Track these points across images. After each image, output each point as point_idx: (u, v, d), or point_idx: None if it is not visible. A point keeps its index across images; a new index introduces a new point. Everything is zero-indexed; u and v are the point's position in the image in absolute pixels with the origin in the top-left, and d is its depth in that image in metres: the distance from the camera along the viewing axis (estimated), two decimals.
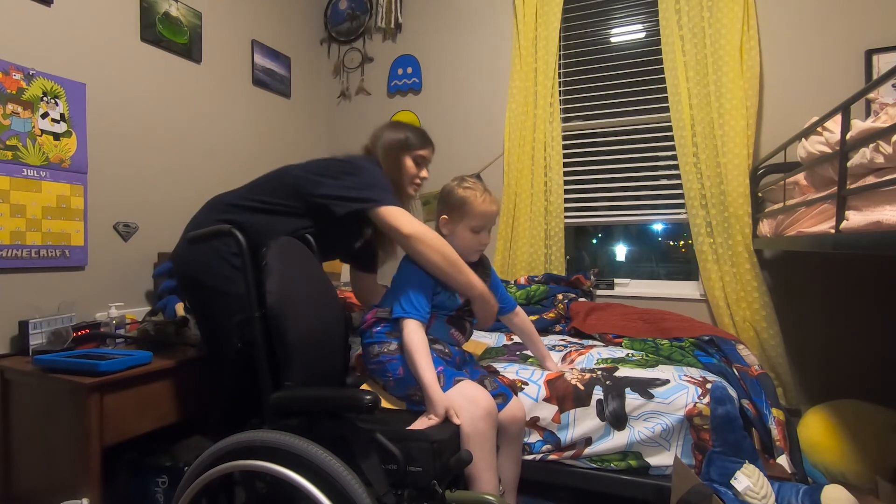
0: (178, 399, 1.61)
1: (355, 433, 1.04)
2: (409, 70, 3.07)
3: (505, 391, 1.44)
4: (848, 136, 1.28)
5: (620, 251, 3.06)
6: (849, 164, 1.29)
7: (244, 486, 1.06)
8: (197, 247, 1.41)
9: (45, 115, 1.76)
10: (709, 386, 1.45)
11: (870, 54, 2.15)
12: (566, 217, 2.67)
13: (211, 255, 1.42)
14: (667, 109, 2.46)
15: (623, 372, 1.58)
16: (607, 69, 2.70)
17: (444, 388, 1.29)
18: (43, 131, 1.76)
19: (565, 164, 2.69)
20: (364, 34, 3.20)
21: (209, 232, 1.27)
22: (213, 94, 2.48)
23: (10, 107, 1.67)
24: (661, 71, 2.48)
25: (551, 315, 2.27)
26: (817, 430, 1.76)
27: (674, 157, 2.47)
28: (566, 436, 1.49)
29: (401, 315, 1.36)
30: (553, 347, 1.93)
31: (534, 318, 2.13)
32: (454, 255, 1.39)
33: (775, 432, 1.46)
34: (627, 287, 2.67)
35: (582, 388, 1.51)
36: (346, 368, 1.57)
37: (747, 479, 1.29)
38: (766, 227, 2.06)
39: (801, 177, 1.73)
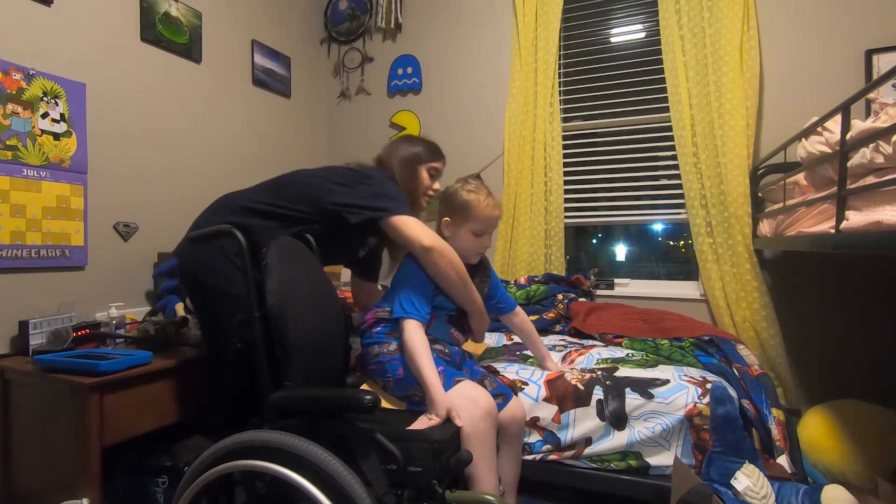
0: (178, 399, 1.61)
1: (355, 433, 1.04)
2: (409, 70, 3.07)
3: (505, 391, 1.44)
4: (848, 136, 1.28)
5: (620, 251, 3.06)
6: (849, 164, 1.29)
7: (244, 486, 1.06)
8: (199, 246, 1.41)
9: (45, 115, 1.76)
10: (709, 386, 1.45)
11: (870, 54, 2.15)
12: (566, 217, 2.67)
13: (212, 255, 1.42)
14: (667, 109, 2.46)
15: (623, 372, 1.58)
16: (607, 69, 2.70)
17: (444, 388, 1.29)
18: (43, 131, 1.76)
19: (565, 164, 2.69)
20: (364, 34, 3.20)
21: (209, 232, 1.27)
22: (213, 94, 2.48)
23: (10, 107, 1.67)
24: (661, 71, 2.48)
25: (551, 315, 2.27)
26: (817, 430, 1.76)
27: (674, 157, 2.47)
28: (566, 436, 1.49)
29: (401, 315, 1.36)
30: (553, 347, 1.93)
31: (534, 318, 2.13)
32: (464, 270, 1.42)
33: (775, 432, 1.46)
34: (627, 287, 2.67)
35: (582, 388, 1.51)
36: (347, 368, 1.57)
37: (747, 479, 1.29)
38: (766, 227, 2.06)
39: (801, 177, 1.73)
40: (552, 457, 1.50)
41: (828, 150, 1.47)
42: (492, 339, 2.10)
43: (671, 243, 2.91)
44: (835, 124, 1.46)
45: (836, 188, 1.31)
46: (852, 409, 1.80)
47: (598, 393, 1.49)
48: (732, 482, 1.30)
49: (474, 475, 1.26)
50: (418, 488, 1.07)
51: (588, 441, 1.48)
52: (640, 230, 2.97)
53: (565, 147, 2.72)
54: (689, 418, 1.41)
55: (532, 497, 1.62)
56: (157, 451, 1.64)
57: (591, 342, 2.04)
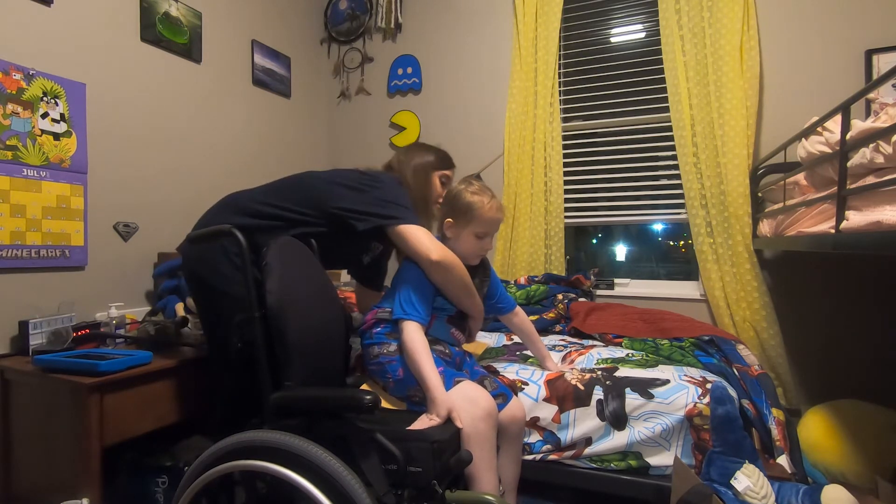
0: (178, 399, 1.61)
1: (355, 433, 1.04)
2: (409, 70, 3.07)
3: (505, 391, 1.44)
4: (848, 136, 1.28)
5: (620, 251, 3.06)
6: (849, 164, 1.29)
7: (244, 486, 1.06)
8: (200, 245, 1.41)
9: (45, 115, 1.76)
10: (709, 386, 1.45)
11: (870, 54, 2.15)
12: (566, 217, 2.67)
13: (213, 254, 1.41)
14: (667, 109, 2.46)
15: (623, 372, 1.58)
16: (607, 69, 2.70)
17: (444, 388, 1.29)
18: (43, 131, 1.76)
19: (565, 164, 2.69)
20: (364, 34, 3.20)
21: (209, 232, 1.27)
22: (213, 94, 2.48)
23: (10, 107, 1.67)
24: (661, 71, 2.48)
25: (551, 315, 2.27)
26: (817, 430, 1.76)
27: (674, 157, 2.47)
28: (566, 436, 1.49)
29: (400, 316, 1.36)
30: (553, 347, 1.93)
31: (534, 318, 2.13)
32: (470, 282, 1.43)
33: (775, 432, 1.46)
34: (627, 287, 2.67)
35: (582, 388, 1.51)
36: (347, 369, 1.57)
37: (747, 479, 1.29)
38: (766, 227, 2.06)
39: (801, 177, 1.73)
40: (552, 457, 1.50)
41: (828, 150, 1.47)
42: (492, 339, 2.10)
43: (671, 243, 2.91)
44: (835, 124, 1.46)
45: (836, 188, 1.31)
46: (852, 409, 1.80)
47: (598, 393, 1.49)
48: (732, 482, 1.30)
49: (474, 475, 1.26)
50: (418, 488, 1.07)
51: (588, 441, 1.48)
52: (640, 230, 2.97)
53: (565, 147, 2.72)
54: (689, 418, 1.41)
55: (532, 497, 1.62)
56: (157, 451, 1.64)
57: (591, 342, 2.04)
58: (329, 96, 3.31)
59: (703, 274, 2.38)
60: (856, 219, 1.21)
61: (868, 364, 2.16)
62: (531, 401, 1.52)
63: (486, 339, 2.07)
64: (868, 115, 1.92)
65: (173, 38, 2.26)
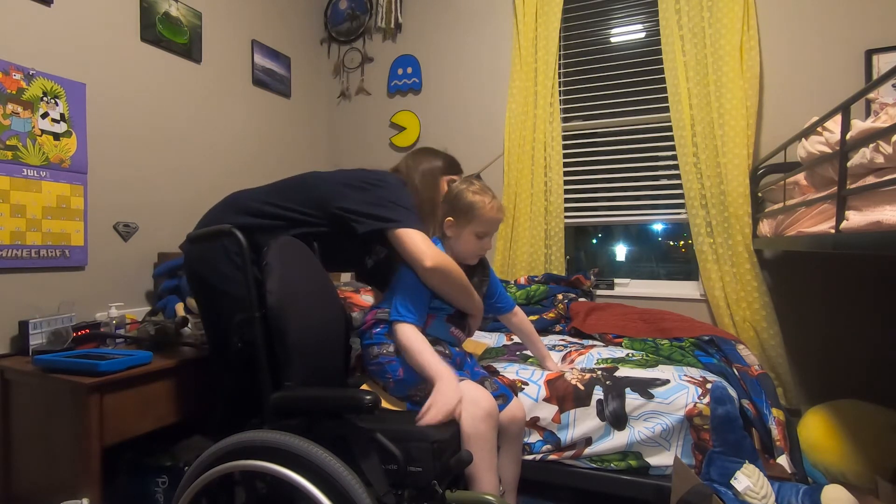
0: (178, 399, 1.61)
1: (355, 433, 1.04)
2: (409, 70, 3.07)
3: (505, 392, 1.44)
4: (848, 136, 1.28)
5: (620, 251, 3.06)
6: (849, 164, 1.29)
7: (244, 487, 1.06)
8: (201, 244, 1.41)
9: (45, 115, 1.76)
10: (709, 386, 1.45)
11: (870, 54, 2.15)
12: (566, 217, 2.67)
13: (214, 254, 1.41)
14: (667, 109, 2.46)
15: (623, 372, 1.58)
16: (607, 69, 2.70)
17: None
18: (43, 131, 1.76)
19: (565, 164, 2.69)
20: (364, 34, 3.20)
21: (209, 232, 1.27)
22: (213, 94, 2.48)
23: (10, 107, 1.67)
24: (661, 71, 2.48)
25: (551, 315, 2.27)
26: (817, 430, 1.76)
27: (674, 157, 2.47)
28: (566, 436, 1.49)
29: (395, 319, 1.36)
30: (553, 347, 1.93)
31: (534, 318, 2.13)
32: (467, 283, 1.42)
33: (775, 432, 1.46)
34: (627, 287, 2.67)
35: (582, 388, 1.51)
36: (347, 369, 1.57)
37: (747, 479, 1.29)
38: (766, 227, 2.06)
39: (801, 177, 1.73)
40: (552, 457, 1.50)
41: (828, 150, 1.47)
42: (492, 339, 2.10)
43: (671, 243, 2.91)
44: (835, 124, 1.46)
45: (836, 188, 1.31)
46: (852, 409, 1.80)
47: (598, 393, 1.49)
48: (732, 482, 1.30)
49: (474, 475, 1.26)
50: (418, 488, 1.07)
51: (588, 441, 1.48)
52: (640, 230, 2.97)
53: (565, 147, 2.72)
54: (689, 418, 1.41)
55: (532, 497, 1.62)
56: (157, 451, 1.64)
57: (591, 342, 2.04)
58: (329, 96, 3.31)
59: (703, 274, 2.38)
60: (856, 219, 1.21)
61: (868, 364, 2.16)
62: (531, 401, 1.52)
63: (486, 340, 2.07)
64: (868, 115, 1.92)
65: (173, 38, 2.26)
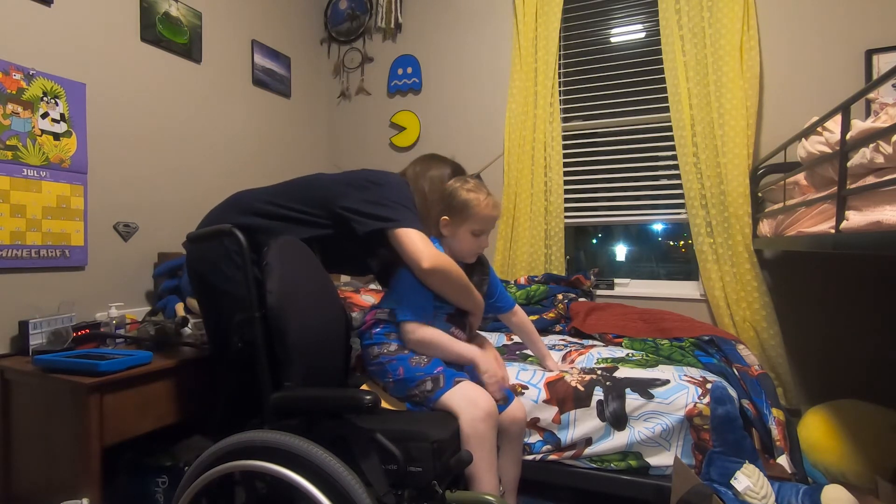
0: (178, 399, 1.61)
1: (355, 433, 1.04)
2: (409, 70, 3.07)
3: (506, 393, 1.44)
4: (848, 136, 1.28)
5: (620, 251, 3.06)
6: (849, 164, 1.29)
7: (244, 487, 1.06)
8: (202, 244, 1.41)
9: (45, 115, 1.76)
10: (709, 386, 1.45)
11: (870, 54, 2.15)
12: (566, 217, 2.67)
13: (215, 254, 1.41)
14: (667, 109, 2.46)
15: (623, 372, 1.58)
16: (607, 69, 2.70)
17: (445, 388, 1.29)
18: (43, 131, 1.76)
19: (565, 164, 2.69)
20: (364, 34, 3.20)
21: (209, 231, 1.27)
22: (213, 94, 2.48)
23: (10, 107, 1.67)
24: (661, 71, 2.48)
25: (551, 315, 2.27)
26: (817, 430, 1.76)
27: (674, 157, 2.47)
28: (566, 436, 1.49)
29: (406, 319, 1.38)
30: (553, 347, 1.93)
31: (534, 318, 2.13)
32: (467, 282, 1.43)
33: (775, 432, 1.46)
34: (627, 287, 2.67)
35: (582, 388, 1.51)
36: (347, 369, 1.57)
37: (747, 479, 1.29)
38: (766, 227, 2.06)
39: (801, 177, 1.73)
40: (552, 457, 1.50)
41: (828, 150, 1.47)
42: (492, 340, 2.10)
43: (671, 243, 2.91)
44: (835, 124, 1.46)
45: (836, 188, 1.31)
46: (852, 409, 1.80)
47: (598, 393, 1.49)
48: (732, 482, 1.30)
49: (474, 475, 1.26)
50: (418, 488, 1.07)
51: (588, 441, 1.48)
52: (640, 230, 2.97)
53: (565, 147, 2.72)
54: (689, 418, 1.41)
55: (532, 497, 1.62)
56: (157, 451, 1.64)
57: (591, 342, 2.04)
58: (329, 96, 3.31)
59: (703, 274, 2.38)
60: (856, 219, 1.21)
61: (868, 364, 2.16)
62: (531, 403, 1.52)
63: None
64: (868, 115, 1.92)
65: (173, 38, 2.26)
